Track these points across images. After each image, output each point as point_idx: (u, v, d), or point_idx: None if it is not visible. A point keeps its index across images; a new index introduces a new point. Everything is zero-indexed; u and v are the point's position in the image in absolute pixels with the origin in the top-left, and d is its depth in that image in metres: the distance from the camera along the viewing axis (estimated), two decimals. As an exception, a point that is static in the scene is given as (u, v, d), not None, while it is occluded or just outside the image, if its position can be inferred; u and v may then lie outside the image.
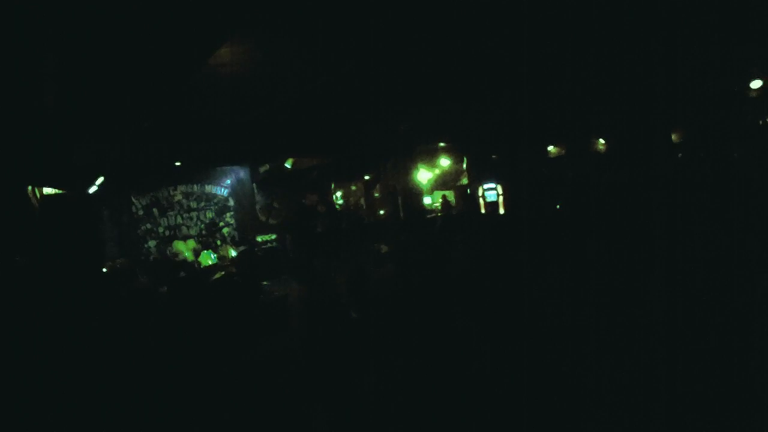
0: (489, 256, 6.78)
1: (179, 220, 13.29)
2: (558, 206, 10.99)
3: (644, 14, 5.85)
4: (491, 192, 14.14)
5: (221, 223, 13.98)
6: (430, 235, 11.75)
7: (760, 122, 7.25)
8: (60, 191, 7.67)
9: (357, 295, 6.16)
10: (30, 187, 6.66)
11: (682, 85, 7.09)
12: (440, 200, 15.38)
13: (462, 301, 6.15)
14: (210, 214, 13.82)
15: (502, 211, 13.81)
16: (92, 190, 9.69)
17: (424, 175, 15.18)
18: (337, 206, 17.72)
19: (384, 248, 10.20)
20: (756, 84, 7.06)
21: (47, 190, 7.54)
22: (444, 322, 6.02)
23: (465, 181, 15.48)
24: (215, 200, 13.96)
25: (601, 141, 10.96)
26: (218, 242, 13.65)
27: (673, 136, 8.41)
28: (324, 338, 5.74)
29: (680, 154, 8.47)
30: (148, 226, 12.89)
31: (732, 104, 7.50)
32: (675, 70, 6.80)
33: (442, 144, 14.04)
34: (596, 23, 6.01)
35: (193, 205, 13.56)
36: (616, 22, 6.00)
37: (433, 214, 14.79)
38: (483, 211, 14.06)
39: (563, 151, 12.28)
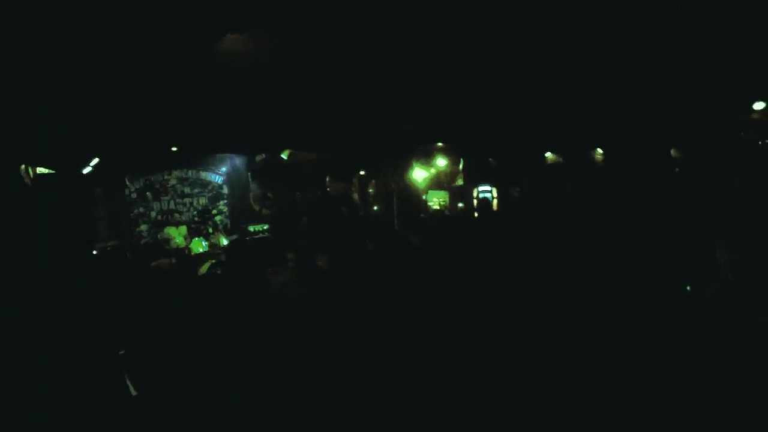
0: (486, 258, 6.76)
1: (172, 205, 13.22)
2: (554, 215, 11.00)
3: (650, 27, 5.84)
4: (486, 194, 14.16)
5: (214, 211, 13.92)
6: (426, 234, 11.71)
7: (760, 143, 7.28)
8: (53, 171, 7.61)
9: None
10: (23, 166, 6.61)
11: (683, 102, 7.09)
12: (434, 201, 15.38)
13: (457, 304, 6.15)
14: (203, 201, 13.76)
15: (496, 213, 13.81)
16: (86, 170, 9.63)
17: (419, 174, 15.14)
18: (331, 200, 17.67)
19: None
20: (759, 106, 7.07)
21: (40, 169, 7.48)
22: (440, 323, 6.02)
23: (461, 182, 15.47)
24: (209, 187, 13.90)
25: (599, 151, 10.97)
26: (210, 230, 13.58)
27: (673, 152, 8.43)
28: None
29: (677, 170, 8.49)
30: (141, 209, 12.82)
31: (734, 124, 7.52)
32: (678, 87, 6.80)
33: (439, 144, 14.01)
34: (599, 35, 6.01)
35: (187, 190, 13.50)
36: (620, 33, 5.99)
37: (425, 215, 14.77)
38: (476, 213, 14.07)
39: (561, 161, 12.29)
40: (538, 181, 12.29)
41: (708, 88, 6.48)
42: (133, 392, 5.57)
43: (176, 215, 13.24)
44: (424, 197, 16.04)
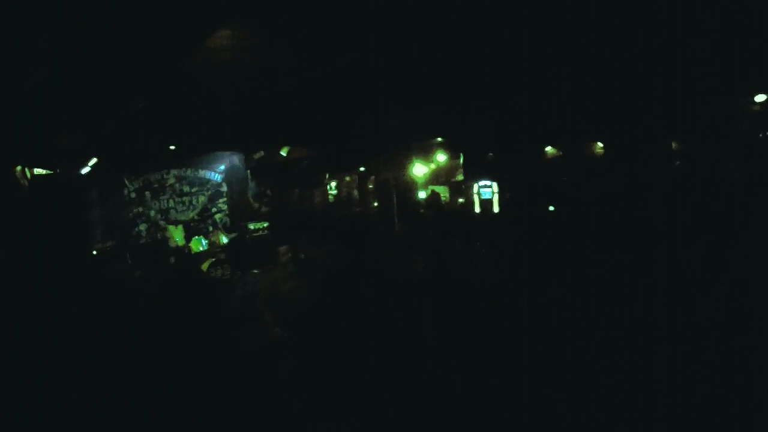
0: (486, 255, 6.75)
1: (171, 204, 13.16)
2: (551, 208, 10.99)
3: (648, 19, 5.80)
4: (486, 189, 14.11)
5: (213, 209, 13.86)
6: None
7: (761, 135, 7.24)
8: (50, 172, 7.58)
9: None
10: (19, 167, 6.58)
11: (683, 94, 7.05)
12: (429, 195, 15.33)
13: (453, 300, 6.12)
14: (202, 199, 13.70)
15: (496, 209, 13.78)
16: (84, 171, 9.59)
17: (419, 170, 15.11)
18: (330, 196, 17.66)
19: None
20: (760, 98, 7.03)
21: (38, 171, 7.45)
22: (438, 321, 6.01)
23: (460, 177, 15.44)
24: (208, 185, 13.84)
25: (599, 145, 10.93)
26: (210, 228, 13.54)
27: (673, 145, 8.39)
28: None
29: (678, 162, 8.45)
30: (140, 209, 12.76)
31: (733, 116, 7.48)
32: (677, 78, 6.77)
33: (438, 139, 13.96)
34: (597, 26, 5.97)
35: (186, 189, 13.43)
36: (617, 24, 5.95)
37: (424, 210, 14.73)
38: (478, 208, 14.03)
39: (560, 153, 12.25)
40: (537, 175, 12.28)
41: (708, 81, 6.45)
42: (140, 390, 5.56)
43: (175, 214, 13.18)
44: (423, 192, 16.02)
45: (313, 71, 6.88)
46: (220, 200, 14.03)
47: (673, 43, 5.96)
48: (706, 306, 5.52)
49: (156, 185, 12.99)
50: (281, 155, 13.67)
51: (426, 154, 14.91)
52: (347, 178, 18.96)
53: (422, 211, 14.38)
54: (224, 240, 12.56)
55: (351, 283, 6.65)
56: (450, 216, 13.28)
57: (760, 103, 7.08)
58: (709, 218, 6.99)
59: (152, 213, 12.88)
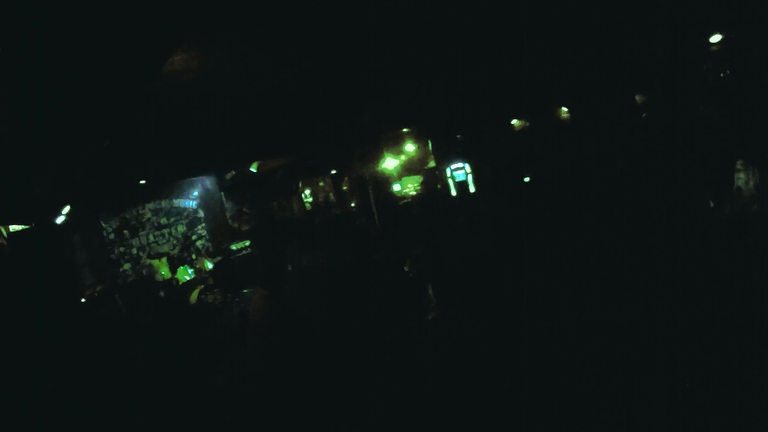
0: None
1: (151, 238, 13.09)
2: (527, 179, 11.07)
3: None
4: (459, 172, 14.17)
5: (194, 236, 13.81)
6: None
7: (722, 75, 7.36)
8: (26, 226, 7.49)
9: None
10: (-4, 226, 6.50)
11: (641, 44, 7.14)
12: (409, 188, 15.40)
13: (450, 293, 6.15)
14: (181, 228, 13.64)
15: (472, 189, 13.84)
16: (60, 220, 9.49)
17: (390, 163, 15.14)
18: (307, 204, 17.66)
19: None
20: (715, 38, 7.15)
21: (13, 227, 7.36)
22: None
23: (432, 164, 15.49)
24: (185, 213, 13.78)
25: (564, 109, 11.03)
26: (194, 256, 13.49)
27: (637, 98, 8.51)
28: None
29: (644, 114, 8.57)
30: (121, 249, 12.67)
31: (693, 60, 7.60)
32: (631, 30, 6.84)
33: (405, 129, 14.01)
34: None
35: (164, 221, 13.37)
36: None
37: (405, 200, 14.77)
38: (453, 192, 14.08)
39: (527, 124, 12.35)
40: (507, 148, 12.36)
41: (662, 27, 6.52)
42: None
43: (156, 247, 13.11)
44: (398, 184, 16.05)
45: (273, 79, 6.86)
46: (199, 226, 13.98)
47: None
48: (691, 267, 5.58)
49: (133, 222, 12.91)
50: (252, 171, 13.64)
51: (395, 145, 14.96)
52: (321, 183, 18.97)
53: (402, 203, 14.44)
54: (209, 265, 12.51)
55: (349, 286, 6.62)
56: (436, 199, 13.30)
57: (717, 43, 7.20)
58: (683, 164, 7.10)
59: (134, 250, 12.79)
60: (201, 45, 5.21)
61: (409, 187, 15.87)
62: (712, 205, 6.03)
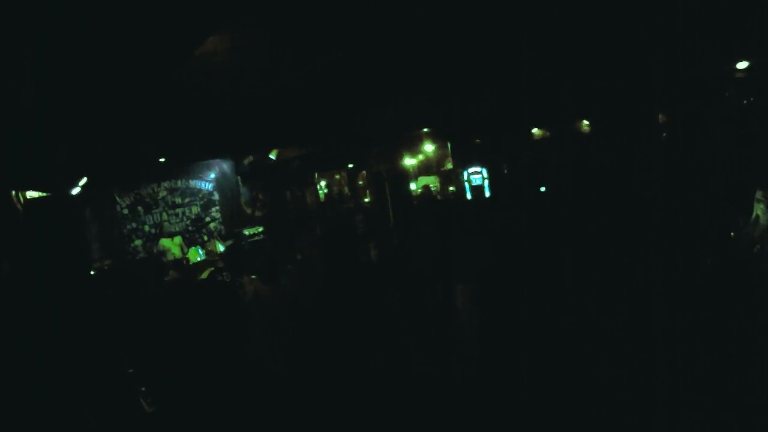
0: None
1: (164, 216, 13.15)
2: (542, 189, 11.02)
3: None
4: (476, 176, 14.09)
5: (207, 218, 13.86)
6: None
7: (745, 102, 7.29)
8: (44, 194, 7.54)
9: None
10: (13, 192, 6.54)
11: (667, 63, 7.09)
12: (422, 189, 15.35)
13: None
14: (195, 209, 13.69)
15: (488, 194, 13.78)
16: (75, 191, 9.54)
17: (407, 162, 15.11)
18: (321, 195, 17.66)
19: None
20: (742, 65, 7.09)
21: (30, 194, 7.40)
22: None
23: (450, 165, 15.44)
24: (200, 195, 13.83)
25: (585, 122, 10.96)
26: (205, 237, 13.54)
27: (660, 117, 8.44)
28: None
29: (664, 134, 8.50)
30: (134, 224, 12.74)
31: (717, 85, 7.53)
32: (658, 50, 6.80)
33: (425, 129, 13.97)
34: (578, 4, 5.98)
35: (178, 200, 13.42)
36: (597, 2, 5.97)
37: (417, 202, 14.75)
38: (469, 195, 14.03)
39: (547, 134, 12.28)
40: (526, 157, 12.30)
41: (689, 50, 6.48)
42: (147, 409, 5.57)
43: (169, 226, 13.16)
44: (414, 183, 16.03)
45: (299, 70, 6.88)
46: (213, 209, 14.02)
47: (654, 13, 5.99)
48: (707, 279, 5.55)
49: (148, 199, 12.97)
50: (270, 158, 13.66)
51: (414, 144, 14.93)
52: (337, 176, 18.95)
53: (416, 203, 14.41)
54: (221, 248, 12.56)
55: (353, 282, 6.62)
56: (442, 205, 13.29)
57: (743, 70, 7.14)
58: (700, 188, 7.04)
59: (146, 227, 12.86)
60: (236, 30, 5.25)
61: (423, 187, 15.83)
62: (732, 234, 5.99)
